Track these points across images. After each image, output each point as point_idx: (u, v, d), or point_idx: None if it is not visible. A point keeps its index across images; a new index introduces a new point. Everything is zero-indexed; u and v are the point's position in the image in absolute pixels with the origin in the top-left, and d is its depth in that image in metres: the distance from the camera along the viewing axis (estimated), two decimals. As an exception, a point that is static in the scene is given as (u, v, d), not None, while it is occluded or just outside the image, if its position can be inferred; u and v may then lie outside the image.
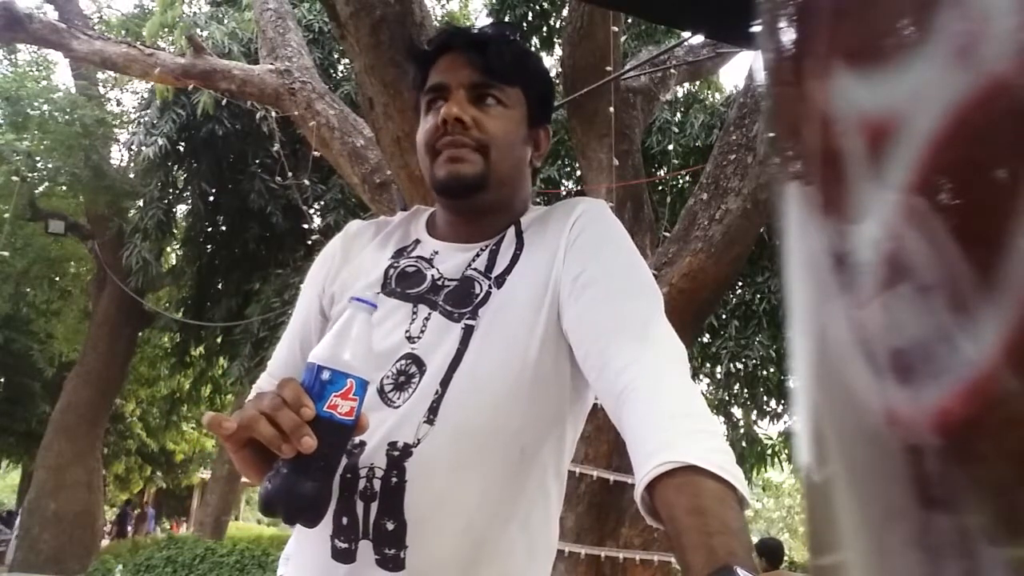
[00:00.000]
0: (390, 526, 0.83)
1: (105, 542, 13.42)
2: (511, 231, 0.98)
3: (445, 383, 0.86)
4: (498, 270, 0.94)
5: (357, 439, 0.86)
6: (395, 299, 0.94)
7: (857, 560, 0.31)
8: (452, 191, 0.95)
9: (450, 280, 0.94)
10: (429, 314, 0.91)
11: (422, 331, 0.90)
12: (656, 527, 0.69)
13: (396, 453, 0.85)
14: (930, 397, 0.27)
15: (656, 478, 0.66)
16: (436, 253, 0.98)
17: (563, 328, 0.87)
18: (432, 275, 0.95)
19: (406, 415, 0.86)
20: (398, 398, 0.87)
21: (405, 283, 0.95)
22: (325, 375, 0.72)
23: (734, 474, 0.66)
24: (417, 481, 0.84)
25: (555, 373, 0.88)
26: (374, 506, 0.84)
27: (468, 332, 0.89)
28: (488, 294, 0.91)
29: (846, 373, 0.32)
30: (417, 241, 1.01)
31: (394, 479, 0.84)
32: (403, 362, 0.89)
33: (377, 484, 0.84)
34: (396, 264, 0.98)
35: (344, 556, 0.84)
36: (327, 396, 0.71)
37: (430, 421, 0.85)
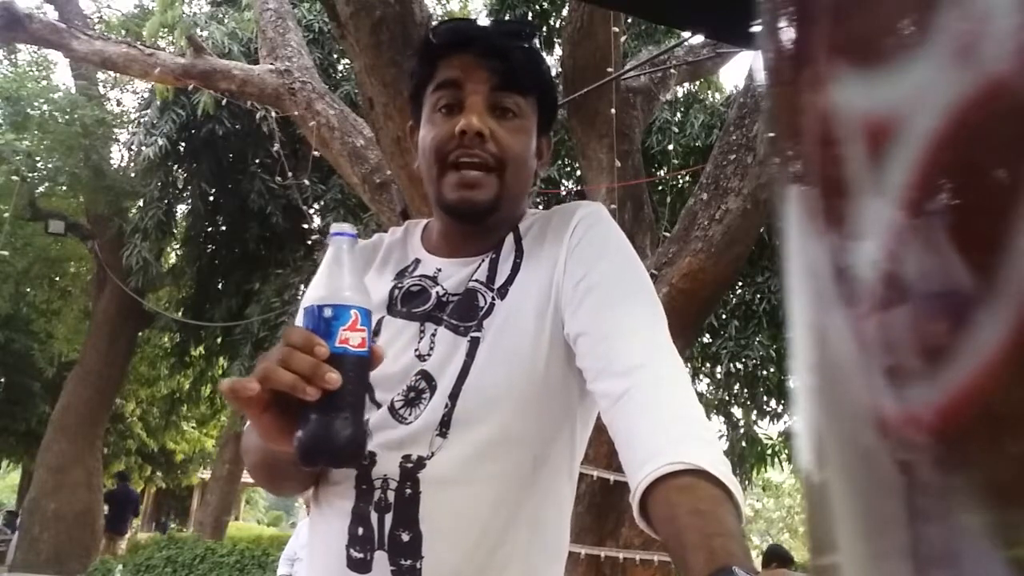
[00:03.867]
0: (405, 537, 0.83)
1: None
2: (509, 239, 0.97)
3: (454, 396, 0.86)
4: (500, 280, 0.93)
5: (366, 450, 0.87)
6: (401, 319, 0.93)
7: (852, 567, 0.32)
8: (465, 217, 0.93)
9: (454, 295, 0.93)
10: (436, 330, 0.90)
11: (431, 348, 0.90)
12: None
13: (410, 465, 0.85)
14: (924, 406, 0.27)
15: (658, 478, 0.67)
16: (439, 271, 0.96)
17: (564, 332, 0.87)
18: (437, 292, 0.94)
19: (419, 430, 0.86)
20: (409, 414, 0.87)
21: (411, 303, 0.94)
22: (328, 312, 0.70)
23: (735, 484, 0.68)
24: (431, 492, 0.84)
25: (563, 379, 0.88)
26: (388, 517, 0.84)
27: (474, 344, 0.88)
28: (492, 305, 0.91)
29: (844, 383, 0.32)
30: (417, 260, 1.00)
31: (408, 490, 0.84)
32: (414, 379, 0.88)
33: (391, 495, 0.84)
34: (400, 285, 0.96)
35: (360, 566, 0.84)
36: (335, 332, 0.70)
37: (443, 434, 0.85)
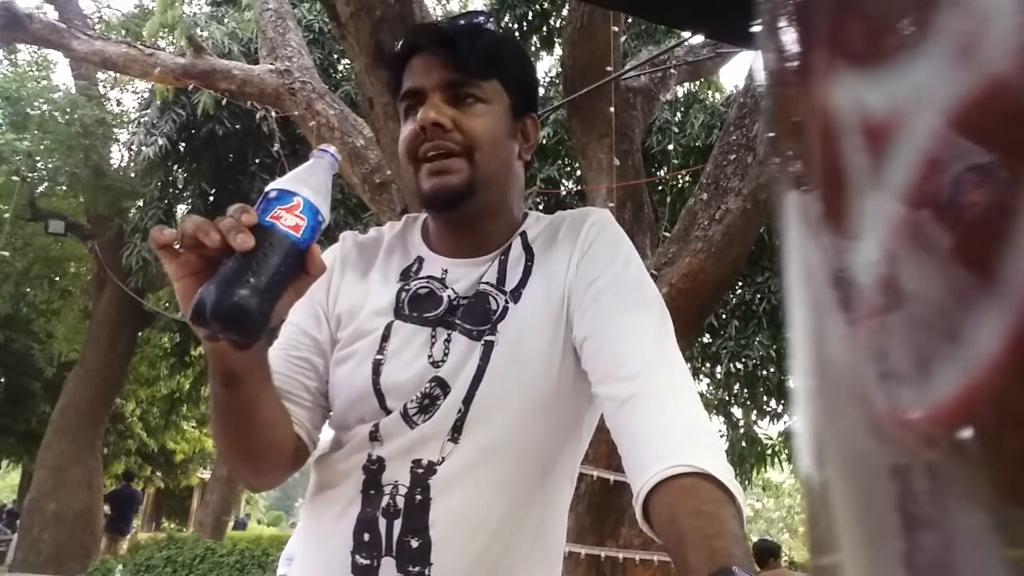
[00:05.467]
0: (414, 544, 0.82)
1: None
2: (517, 241, 0.96)
3: (468, 401, 0.86)
4: (511, 284, 0.92)
5: (375, 455, 0.86)
6: (412, 324, 0.91)
7: (850, 573, 0.32)
8: (440, 204, 0.92)
9: (464, 298, 0.92)
10: (449, 335, 0.89)
11: (445, 354, 0.88)
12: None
13: (420, 471, 0.84)
14: (922, 408, 0.27)
15: (661, 480, 0.68)
16: (446, 272, 0.95)
17: (573, 334, 0.87)
18: (448, 296, 0.92)
19: (430, 434, 0.85)
20: (421, 420, 0.86)
21: (420, 307, 0.92)
22: (272, 194, 0.71)
23: (738, 488, 0.69)
24: (441, 498, 0.83)
25: (574, 384, 0.88)
26: (397, 523, 0.83)
27: (488, 348, 0.87)
28: (505, 309, 0.90)
29: (841, 386, 0.32)
30: (420, 259, 0.98)
31: (418, 496, 0.83)
32: (428, 385, 0.87)
33: (401, 501, 0.83)
34: (407, 287, 0.94)
35: (366, 573, 0.83)
36: (271, 209, 0.70)
37: (454, 439, 0.85)
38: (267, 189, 0.72)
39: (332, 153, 0.77)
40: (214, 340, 0.70)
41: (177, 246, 0.68)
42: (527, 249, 0.95)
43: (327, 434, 0.94)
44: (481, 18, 0.99)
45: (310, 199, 0.72)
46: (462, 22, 0.98)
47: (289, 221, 0.70)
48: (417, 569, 0.81)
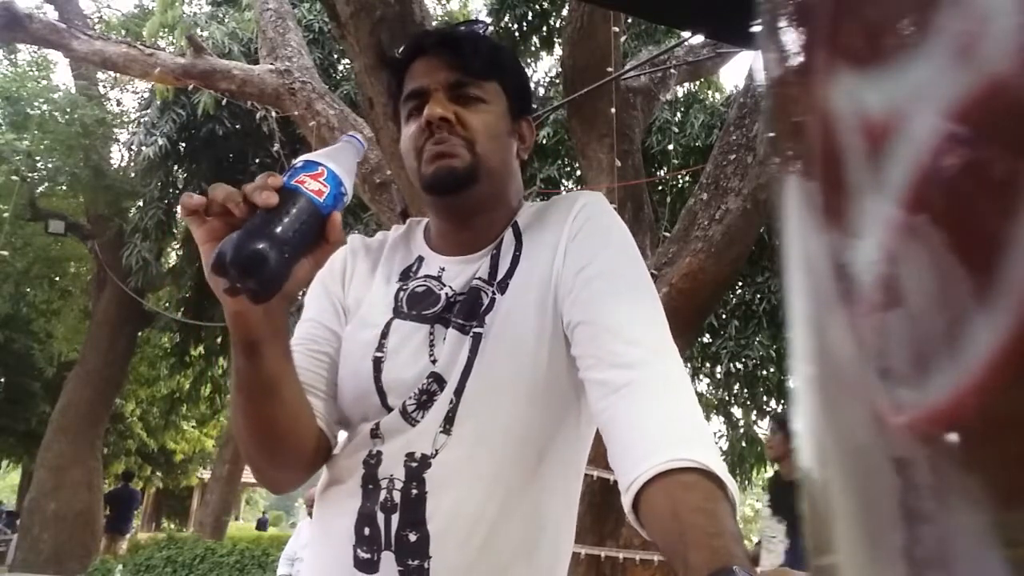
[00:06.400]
0: (412, 537, 0.83)
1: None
2: (509, 233, 0.96)
3: (459, 392, 0.86)
4: (500, 275, 0.93)
5: (375, 450, 0.87)
6: (411, 322, 0.92)
7: (850, 569, 0.32)
8: (442, 186, 0.93)
9: (460, 295, 0.93)
10: (445, 332, 0.90)
11: (442, 350, 0.90)
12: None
13: (414, 464, 0.85)
14: (920, 408, 0.27)
15: (660, 473, 0.68)
16: (443, 270, 0.96)
17: (564, 320, 0.87)
18: (446, 293, 0.94)
19: (424, 428, 0.86)
20: (420, 416, 0.87)
21: (419, 305, 0.93)
22: (299, 164, 0.75)
23: (734, 486, 0.69)
24: (437, 492, 0.83)
25: (567, 371, 0.88)
26: (395, 518, 0.84)
27: (477, 340, 0.88)
28: (493, 301, 0.91)
29: (842, 381, 0.32)
30: (420, 258, 0.99)
31: (414, 490, 0.84)
32: (426, 382, 0.88)
33: (397, 496, 0.84)
34: (405, 287, 0.96)
35: (367, 567, 0.84)
36: (297, 175, 0.73)
37: (446, 431, 0.85)
38: (294, 161, 0.76)
39: (359, 139, 0.81)
40: (234, 294, 0.70)
41: (205, 212, 0.71)
42: (517, 238, 0.96)
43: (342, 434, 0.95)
44: (479, 26, 1.03)
45: (334, 171, 0.75)
46: (463, 28, 1.01)
47: (312, 186, 0.73)
48: (416, 563, 0.82)
